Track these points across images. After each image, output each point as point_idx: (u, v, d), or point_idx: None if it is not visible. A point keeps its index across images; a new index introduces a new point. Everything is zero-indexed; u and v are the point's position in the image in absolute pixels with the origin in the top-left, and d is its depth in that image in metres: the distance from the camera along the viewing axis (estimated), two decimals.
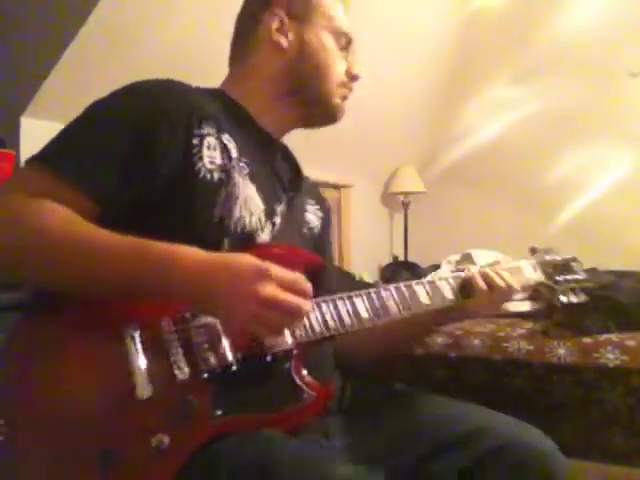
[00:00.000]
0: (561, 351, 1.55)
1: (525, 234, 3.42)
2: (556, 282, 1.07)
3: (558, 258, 1.10)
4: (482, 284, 0.95)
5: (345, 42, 1.00)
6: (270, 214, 0.92)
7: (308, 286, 0.72)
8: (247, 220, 0.87)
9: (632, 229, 3.24)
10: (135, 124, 0.80)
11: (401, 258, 3.87)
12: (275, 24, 0.95)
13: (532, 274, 1.05)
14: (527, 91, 3.57)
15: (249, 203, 0.88)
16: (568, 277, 1.07)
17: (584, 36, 3.28)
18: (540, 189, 3.54)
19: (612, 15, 3.21)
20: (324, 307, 0.85)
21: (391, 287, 0.93)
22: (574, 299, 1.06)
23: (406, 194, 3.85)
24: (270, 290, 0.69)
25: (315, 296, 0.81)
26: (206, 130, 0.85)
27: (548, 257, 1.09)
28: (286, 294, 0.70)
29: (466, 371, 1.65)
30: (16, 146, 1.87)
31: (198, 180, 0.82)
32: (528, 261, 1.06)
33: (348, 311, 0.86)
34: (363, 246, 3.53)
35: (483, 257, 2.28)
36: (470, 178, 3.84)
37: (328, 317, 0.84)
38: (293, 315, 0.71)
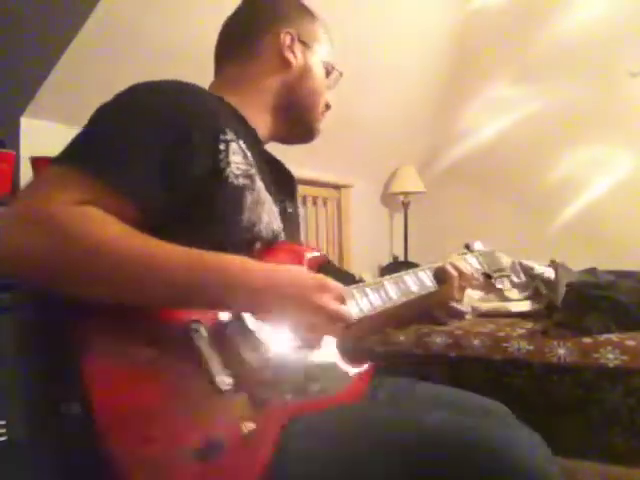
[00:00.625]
0: (561, 351, 1.55)
1: (525, 234, 3.42)
2: (494, 271, 1.26)
3: (488, 251, 1.29)
4: (453, 270, 1.09)
5: (332, 75, 1.07)
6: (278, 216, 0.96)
7: (345, 298, 0.82)
8: (274, 225, 0.92)
9: (632, 229, 3.24)
10: (170, 127, 0.78)
11: (401, 258, 3.87)
12: (287, 41, 1.00)
13: (477, 265, 1.21)
14: (527, 91, 3.58)
15: (270, 206, 0.92)
16: (498, 267, 1.28)
17: (584, 36, 3.28)
18: (540, 189, 3.55)
19: (612, 15, 3.22)
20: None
21: (389, 277, 1.03)
22: (500, 285, 1.28)
23: (406, 194, 3.85)
24: (328, 301, 0.77)
25: None
26: (229, 136, 0.85)
27: (481, 251, 1.26)
28: (340, 305, 0.79)
29: (466, 371, 1.65)
30: (16, 146, 1.87)
31: (227, 185, 0.83)
32: (472, 255, 1.23)
33: (361, 299, 0.96)
34: (363, 246, 3.53)
35: None
36: (470, 178, 3.84)
37: (351, 306, 0.92)
38: (342, 322, 0.79)
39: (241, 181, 0.85)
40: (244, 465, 0.73)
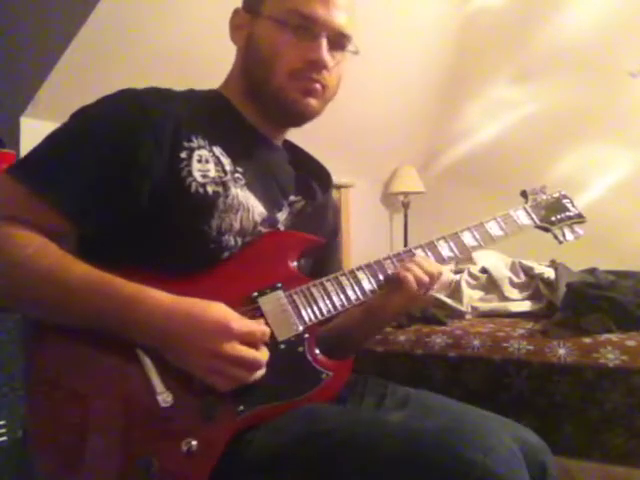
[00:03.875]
0: (561, 351, 1.55)
1: (525, 234, 3.42)
2: (551, 223, 1.10)
3: (549, 197, 1.13)
4: (409, 277, 0.91)
5: (300, 25, 0.85)
6: (273, 221, 0.90)
7: (266, 335, 0.76)
8: (250, 231, 0.86)
9: (632, 229, 3.24)
10: (118, 141, 0.77)
11: None
12: (234, 22, 0.92)
13: (526, 220, 1.09)
14: (527, 91, 3.57)
15: (252, 212, 0.86)
16: (562, 215, 1.11)
17: (584, 36, 3.28)
18: None
19: (612, 15, 3.21)
20: (329, 286, 0.86)
21: (390, 254, 0.93)
22: (570, 237, 1.10)
23: (406, 194, 3.85)
24: (230, 348, 0.71)
25: (317, 276, 0.87)
26: (196, 143, 0.82)
27: (539, 199, 1.12)
28: (246, 350, 0.73)
29: (466, 371, 1.65)
30: (16, 146, 1.87)
31: (190, 195, 0.80)
32: (521, 207, 1.10)
33: (352, 285, 0.88)
34: (363, 246, 3.53)
35: (483, 257, 2.28)
36: (470, 178, 3.84)
37: (334, 295, 0.86)
38: (251, 369, 0.74)
39: (209, 189, 0.81)
40: None
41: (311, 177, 1.00)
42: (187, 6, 2.09)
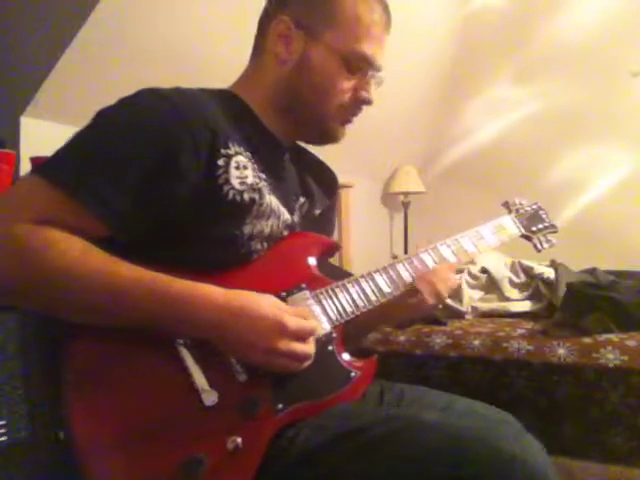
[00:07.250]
0: (561, 351, 1.55)
1: None
2: (533, 232, 1.18)
3: (529, 209, 1.22)
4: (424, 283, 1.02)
5: (362, 66, 0.90)
6: (292, 225, 0.92)
7: (315, 331, 0.80)
8: (277, 236, 0.88)
9: (632, 229, 3.24)
10: (157, 145, 0.75)
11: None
12: (279, 30, 0.88)
13: (514, 229, 1.15)
14: (527, 91, 3.57)
15: (281, 219, 0.88)
16: (540, 226, 1.20)
17: (584, 36, 3.28)
18: (540, 189, 3.54)
19: (612, 15, 3.22)
20: (350, 288, 0.91)
21: (402, 259, 1.02)
22: (546, 245, 1.18)
23: (406, 194, 3.85)
24: (284, 345, 0.75)
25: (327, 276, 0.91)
26: (233, 150, 0.80)
27: (522, 210, 1.20)
28: (298, 346, 0.76)
29: (466, 371, 1.65)
30: (16, 146, 1.87)
31: (226, 203, 0.79)
32: (509, 217, 1.16)
33: (371, 287, 0.93)
34: (363, 246, 3.53)
35: (483, 257, 2.28)
36: (470, 178, 3.84)
37: (356, 297, 0.90)
38: (302, 362, 0.78)
39: (246, 196, 0.81)
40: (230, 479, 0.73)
41: (314, 179, 1.01)
42: (187, 7, 2.09)
